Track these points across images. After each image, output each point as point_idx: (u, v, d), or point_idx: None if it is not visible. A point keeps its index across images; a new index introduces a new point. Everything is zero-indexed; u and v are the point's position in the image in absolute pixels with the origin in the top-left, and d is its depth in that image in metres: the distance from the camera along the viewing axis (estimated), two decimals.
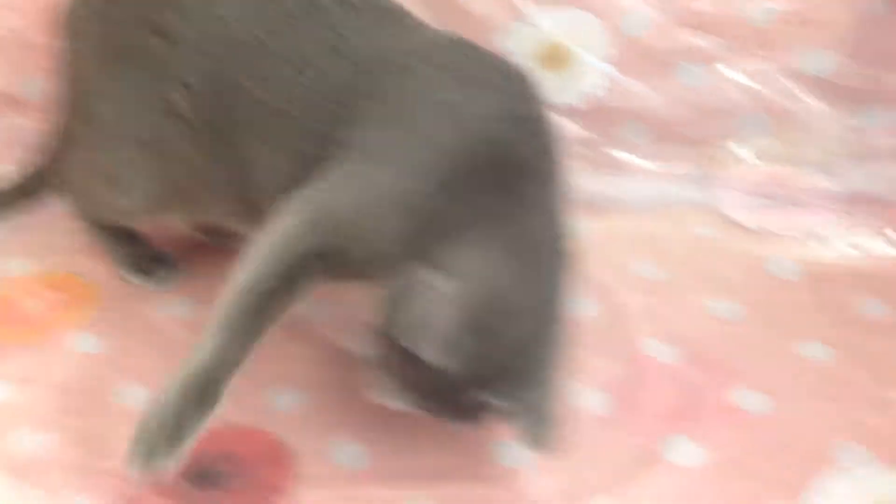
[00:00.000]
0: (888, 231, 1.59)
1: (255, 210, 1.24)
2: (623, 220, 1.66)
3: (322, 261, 1.07)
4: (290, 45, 1.17)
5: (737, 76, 1.72)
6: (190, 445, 1.05)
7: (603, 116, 1.75)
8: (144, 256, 1.51)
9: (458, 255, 1.01)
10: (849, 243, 1.59)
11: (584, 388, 1.31)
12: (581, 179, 1.69)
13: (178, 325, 1.45)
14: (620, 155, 1.77)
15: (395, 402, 1.07)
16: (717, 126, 1.74)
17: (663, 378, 1.33)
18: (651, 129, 1.76)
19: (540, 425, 1.02)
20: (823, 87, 1.71)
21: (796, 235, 1.61)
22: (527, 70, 1.19)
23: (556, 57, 1.74)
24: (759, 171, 1.73)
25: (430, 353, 0.97)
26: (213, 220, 1.41)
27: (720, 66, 1.71)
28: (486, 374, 1.01)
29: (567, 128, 1.76)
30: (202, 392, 1.05)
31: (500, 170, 1.05)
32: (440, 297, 0.97)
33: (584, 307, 1.46)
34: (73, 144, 1.40)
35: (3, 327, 1.42)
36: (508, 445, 1.23)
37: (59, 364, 1.36)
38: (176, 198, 1.33)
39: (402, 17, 1.23)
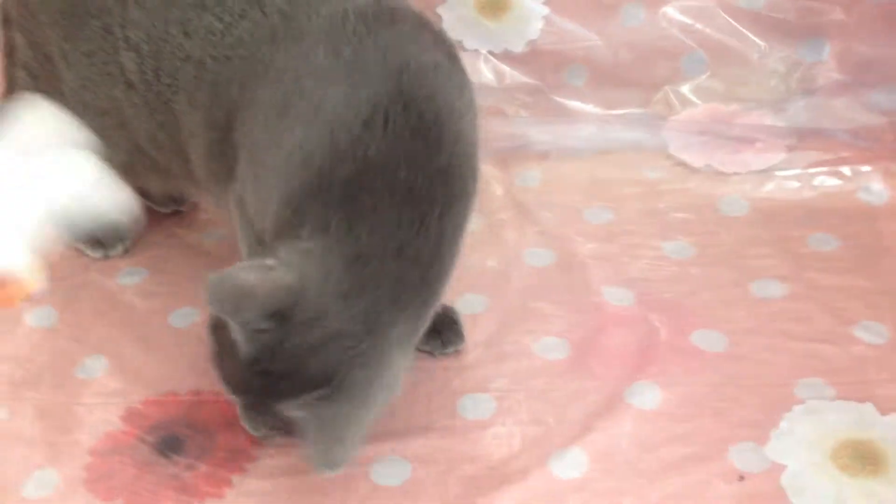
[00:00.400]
0: (835, 165, 1.59)
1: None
2: (572, 167, 1.65)
3: None
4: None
5: (677, 15, 1.71)
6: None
7: (545, 62, 1.74)
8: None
9: (287, 251, 1.01)
10: (798, 179, 1.59)
11: (544, 337, 1.31)
12: (528, 128, 1.72)
13: (131, 293, 1.43)
14: (565, 100, 1.76)
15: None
16: (660, 67, 1.74)
17: (621, 323, 1.33)
18: (594, 73, 1.75)
19: (329, 445, 0.99)
20: (761, 21, 1.71)
21: (743, 172, 1.61)
22: (442, 48, 1.14)
23: (495, 4, 1.72)
24: (704, 110, 1.73)
25: (230, 316, 0.96)
26: (180, 188, 1.41)
27: (658, 5, 1.70)
28: (279, 369, 0.97)
29: (510, 75, 1.75)
30: None
31: (351, 182, 1.01)
32: (254, 275, 0.97)
33: (539, 256, 1.46)
34: None
35: None
36: (473, 398, 1.23)
37: (13, 337, 1.35)
38: (141, 166, 1.32)
39: None
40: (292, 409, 0.98)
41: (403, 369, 1.06)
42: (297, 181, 1.04)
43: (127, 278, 1.46)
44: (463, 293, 1.38)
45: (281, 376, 0.97)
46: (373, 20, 1.11)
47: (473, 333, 1.32)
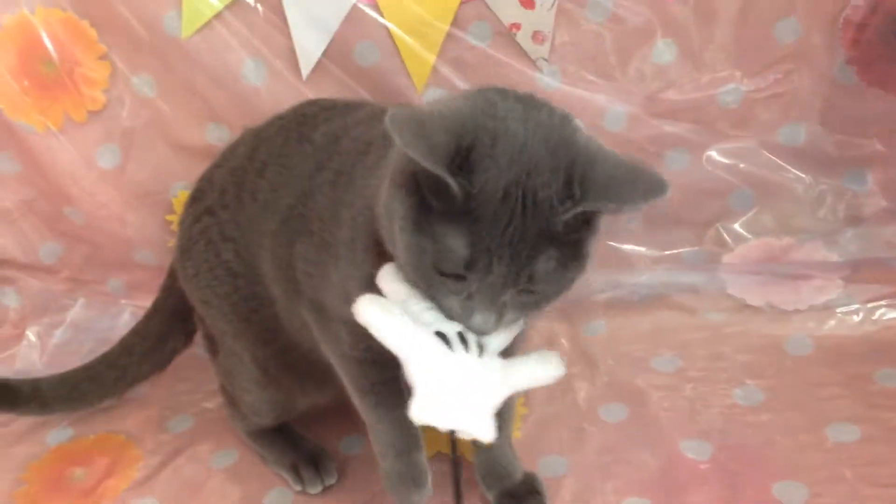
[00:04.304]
0: (894, 297, 1.63)
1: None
2: (637, 315, 1.71)
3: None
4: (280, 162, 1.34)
5: (720, 157, 1.77)
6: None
7: None
8: (301, 458, 1.47)
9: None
10: (858, 313, 1.63)
11: (628, 498, 1.34)
12: (591, 281, 1.77)
13: (224, 476, 1.49)
14: (619, 245, 1.82)
15: None
16: (709, 206, 1.80)
17: (703, 479, 1.35)
18: (647, 216, 1.81)
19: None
20: (803, 156, 1.76)
21: (804, 309, 1.65)
22: None
23: None
24: (757, 245, 1.78)
25: None
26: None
27: (701, 150, 1.76)
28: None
29: None
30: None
31: None
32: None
33: (612, 412, 1.50)
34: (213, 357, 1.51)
35: (56, 500, 1.47)
36: None
37: None
38: (281, 366, 1.42)
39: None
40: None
41: None
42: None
43: (219, 461, 1.52)
44: (542, 456, 1.42)
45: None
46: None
47: (557, 498, 1.35)
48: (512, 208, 0.95)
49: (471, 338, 1.04)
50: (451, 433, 1.08)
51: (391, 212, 1.01)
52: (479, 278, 0.98)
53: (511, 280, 0.97)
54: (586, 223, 0.99)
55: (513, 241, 0.96)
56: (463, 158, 0.95)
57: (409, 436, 1.25)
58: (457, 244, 0.96)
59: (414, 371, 1.03)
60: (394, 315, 1.03)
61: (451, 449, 1.14)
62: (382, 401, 1.25)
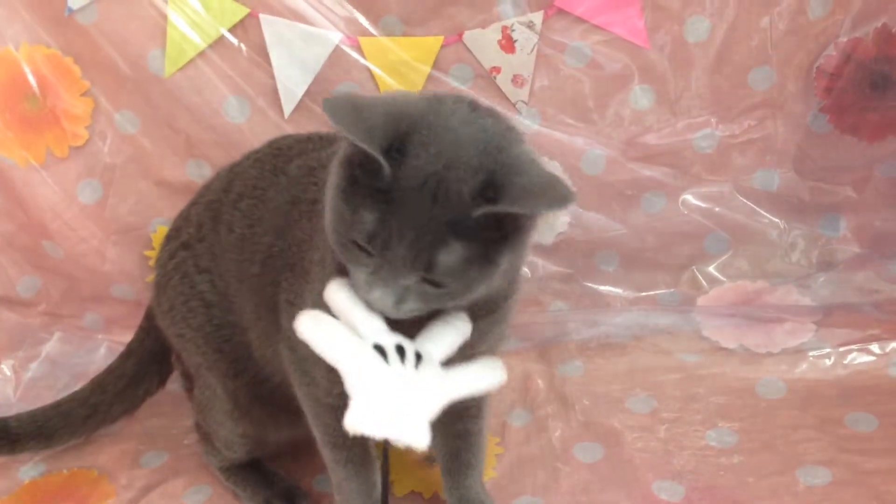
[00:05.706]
0: (865, 342, 1.64)
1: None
2: (612, 356, 1.71)
3: None
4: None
5: (695, 201, 1.80)
6: None
7: (576, 251, 1.83)
8: (274, 496, 1.46)
9: None
10: (829, 357, 1.63)
11: None
12: (565, 317, 1.79)
13: None
14: (597, 286, 1.84)
15: None
16: (685, 248, 1.83)
17: None
18: (623, 258, 1.83)
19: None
20: (777, 201, 1.80)
21: (776, 352, 1.66)
22: None
23: None
24: (731, 288, 1.81)
25: None
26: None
27: (677, 193, 1.80)
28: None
29: (542, 266, 1.84)
30: None
31: None
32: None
33: (586, 451, 1.50)
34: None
35: None
36: None
37: None
38: (252, 398, 1.42)
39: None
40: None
41: None
42: None
43: (192, 498, 1.50)
44: (517, 496, 1.42)
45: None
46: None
47: None
48: (423, 195, 0.99)
49: (408, 348, 1.07)
50: (385, 443, 1.11)
51: (329, 187, 1.06)
52: (381, 254, 1.01)
53: (410, 262, 1.01)
54: (500, 230, 1.01)
55: (417, 226, 0.99)
56: (399, 143, 1.00)
57: (372, 490, 1.28)
58: (367, 217, 1.00)
59: (350, 383, 1.05)
60: (332, 328, 1.07)
61: (384, 459, 1.20)
62: (353, 458, 1.27)
